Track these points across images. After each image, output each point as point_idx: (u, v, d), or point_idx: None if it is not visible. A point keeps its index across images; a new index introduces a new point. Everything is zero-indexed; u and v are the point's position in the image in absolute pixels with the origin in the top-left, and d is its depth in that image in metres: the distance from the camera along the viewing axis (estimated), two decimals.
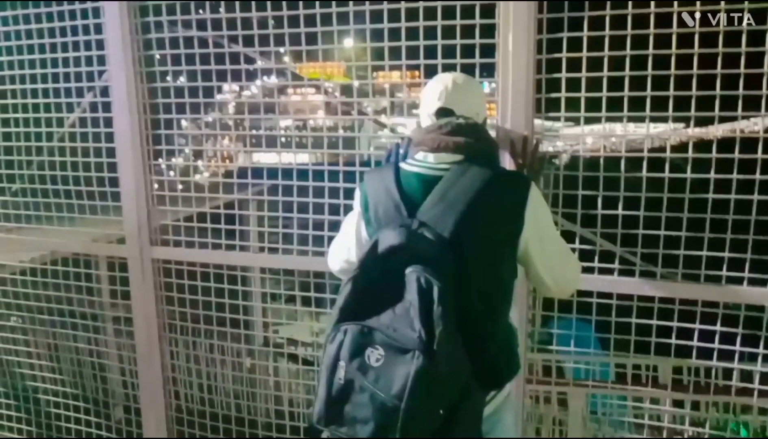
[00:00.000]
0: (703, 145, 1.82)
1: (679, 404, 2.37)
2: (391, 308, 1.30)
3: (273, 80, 2.60)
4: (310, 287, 2.27)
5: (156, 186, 2.44)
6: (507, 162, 1.82)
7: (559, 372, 2.36)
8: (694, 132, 1.86)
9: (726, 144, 1.77)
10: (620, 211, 1.85)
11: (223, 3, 2.20)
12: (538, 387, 2.35)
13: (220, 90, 2.45)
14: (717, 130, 1.86)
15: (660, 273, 1.85)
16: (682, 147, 1.83)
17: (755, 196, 1.72)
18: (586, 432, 2.44)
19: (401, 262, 1.33)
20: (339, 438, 1.30)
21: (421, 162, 1.49)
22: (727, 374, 1.97)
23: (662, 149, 1.87)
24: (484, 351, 1.38)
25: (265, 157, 2.55)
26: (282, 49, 2.18)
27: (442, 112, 1.52)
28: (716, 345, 1.85)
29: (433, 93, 1.55)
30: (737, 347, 1.85)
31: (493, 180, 1.42)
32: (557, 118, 1.89)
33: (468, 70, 1.84)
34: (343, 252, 1.63)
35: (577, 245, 1.88)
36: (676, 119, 1.82)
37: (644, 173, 1.84)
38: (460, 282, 1.33)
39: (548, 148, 2.06)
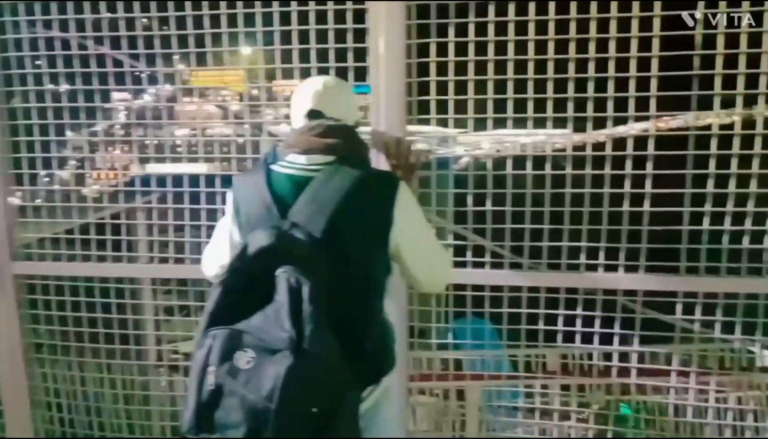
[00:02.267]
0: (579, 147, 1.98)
1: (566, 388, 2.47)
2: (261, 311, 1.29)
3: (167, 87, 2.50)
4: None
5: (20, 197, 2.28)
6: (382, 164, 1.87)
7: (459, 366, 2.44)
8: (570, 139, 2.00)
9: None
10: (488, 207, 1.96)
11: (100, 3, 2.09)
12: (422, 384, 2.41)
13: (108, 98, 2.33)
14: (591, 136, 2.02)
15: (527, 264, 1.97)
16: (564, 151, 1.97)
17: (606, 190, 1.88)
18: (482, 423, 2.50)
19: (272, 263, 1.32)
20: None
21: (292, 164, 1.49)
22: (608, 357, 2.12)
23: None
24: (359, 348, 1.40)
25: (159, 168, 2.45)
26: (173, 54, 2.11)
27: (313, 115, 1.54)
28: (578, 329, 2.00)
29: (303, 95, 1.56)
30: (596, 329, 2.00)
31: (364, 180, 1.44)
32: (427, 121, 1.96)
33: (342, 74, 1.87)
34: (217, 257, 1.60)
35: (450, 241, 1.97)
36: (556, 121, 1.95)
37: (509, 171, 1.95)
38: (332, 281, 1.34)
39: (445, 153, 2.15)
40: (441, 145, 2.19)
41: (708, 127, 1.87)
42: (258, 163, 1.64)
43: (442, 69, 1.92)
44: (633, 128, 1.98)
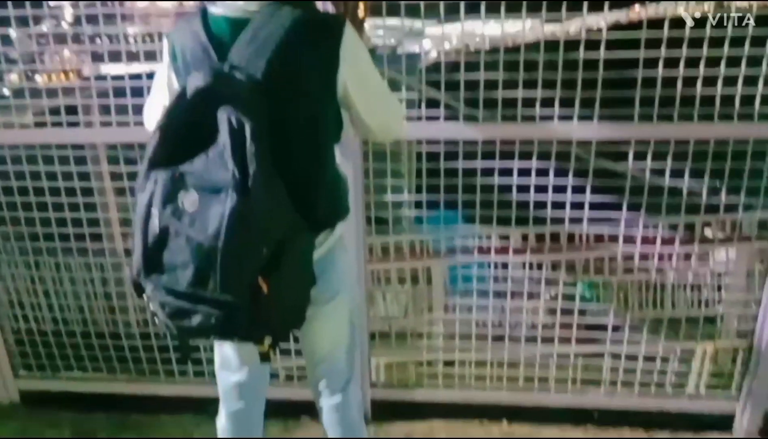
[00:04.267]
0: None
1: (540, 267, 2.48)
2: (204, 153, 1.26)
3: None
4: None
5: None
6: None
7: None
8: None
9: None
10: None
11: None
12: (378, 266, 2.43)
13: None
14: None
15: (482, 117, 1.95)
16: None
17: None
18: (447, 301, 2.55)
19: (212, 106, 1.27)
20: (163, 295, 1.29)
21: (228, 4, 1.41)
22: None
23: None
24: (307, 194, 1.40)
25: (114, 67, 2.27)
26: None
27: None
28: (532, 180, 2.03)
29: None
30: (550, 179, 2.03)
31: (306, 20, 1.37)
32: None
33: None
34: (157, 107, 1.54)
35: (403, 94, 1.92)
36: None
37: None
38: (276, 124, 1.31)
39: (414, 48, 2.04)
40: (407, 39, 2.06)
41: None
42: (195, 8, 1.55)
43: None
44: (606, 18, 1.89)
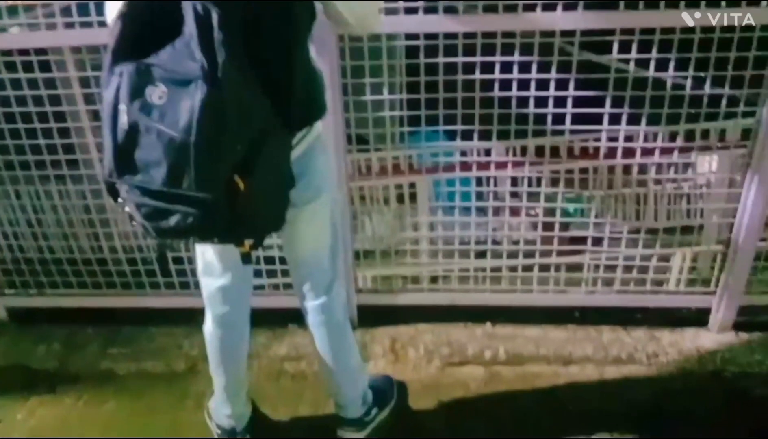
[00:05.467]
0: None
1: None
2: (170, 44, 1.18)
3: None
4: None
5: None
6: None
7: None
8: None
9: None
10: None
11: None
12: (361, 183, 2.39)
13: None
14: None
15: (461, 7, 1.87)
16: None
17: None
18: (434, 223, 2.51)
19: None
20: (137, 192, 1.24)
21: None
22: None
23: None
24: (281, 90, 1.33)
25: None
26: None
27: None
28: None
29: None
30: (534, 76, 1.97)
31: None
32: None
33: None
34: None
35: None
36: None
37: None
38: (245, 13, 1.23)
39: None
40: None
41: None
42: None
43: None
44: None
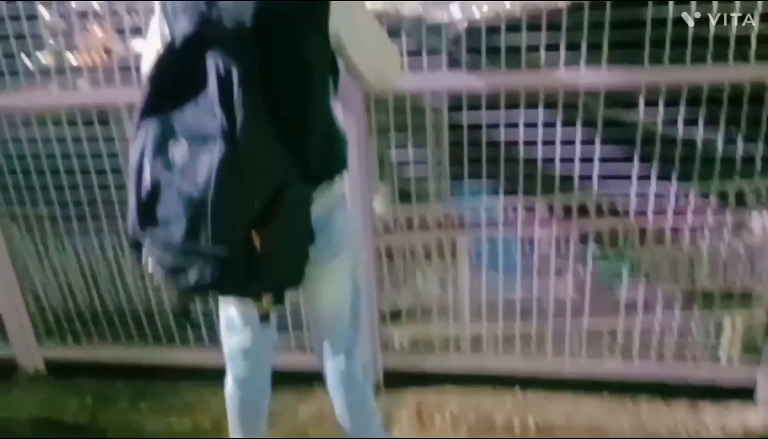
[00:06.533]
0: None
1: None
2: (194, 101, 1.22)
3: None
4: None
5: None
6: None
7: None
8: None
9: None
10: None
11: None
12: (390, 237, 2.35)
13: None
14: None
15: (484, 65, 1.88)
16: None
17: None
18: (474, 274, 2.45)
19: (201, 53, 1.23)
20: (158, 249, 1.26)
21: None
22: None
23: None
24: (298, 143, 1.35)
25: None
26: None
27: None
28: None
29: None
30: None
31: None
32: None
33: None
34: (151, 58, 1.50)
35: (403, 43, 1.85)
36: None
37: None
38: (267, 70, 1.26)
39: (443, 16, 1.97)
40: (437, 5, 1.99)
41: None
42: None
43: None
44: None
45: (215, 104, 1.18)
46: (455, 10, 2.03)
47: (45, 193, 2.38)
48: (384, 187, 2.27)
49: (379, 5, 1.93)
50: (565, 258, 2.24)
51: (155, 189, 1.21)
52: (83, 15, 2.15)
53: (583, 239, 2.25)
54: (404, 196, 2.23)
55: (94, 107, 2.22)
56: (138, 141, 1.23)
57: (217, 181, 1.15)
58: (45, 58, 2.26)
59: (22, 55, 2.22)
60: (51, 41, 2.21)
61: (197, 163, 1.18)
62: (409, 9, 1.97)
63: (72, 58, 2.25)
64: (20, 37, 2.16)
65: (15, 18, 2.13)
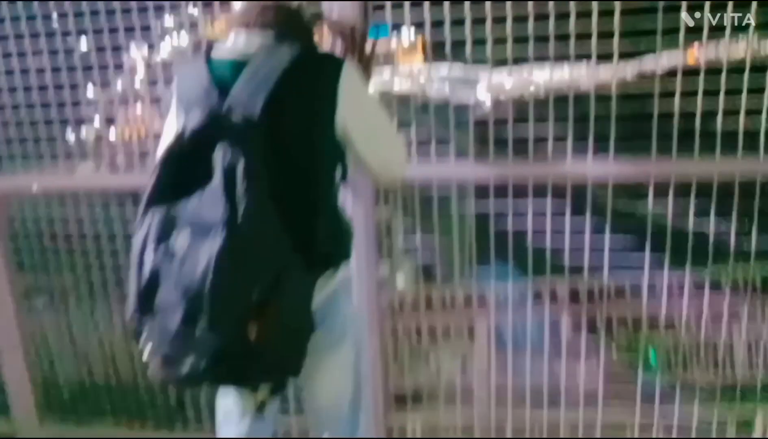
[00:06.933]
0: None
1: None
2: (200, 191, 1.24)
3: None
4: None
5: None
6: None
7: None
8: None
9: None
10: None
11: None
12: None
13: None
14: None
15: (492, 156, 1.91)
16: None
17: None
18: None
19: (209, 145, 1.26)
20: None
21: (231, 47, 1.42)
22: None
23: None
24: (307, 233, 1.36)
25: None
26: None
27: None
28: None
29: None
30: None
31: (305, 57, 1.37)
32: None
33: None
34: None
35: (413, 134, 1.89)
36: None
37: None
38: (274, 163, 1.28)
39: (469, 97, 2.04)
40: (464, 86, 2.06)
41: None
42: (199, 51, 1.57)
43: None
44: (662, 62, 1.84)
45: (219, 195, 1.20)
46: (481, 92, 2.09)
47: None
48: (407, 263, 2.26)
49: (407, 87, 1.99)
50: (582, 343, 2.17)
51: (155, 277, 1.21)
52: (126, 93, 2.24)
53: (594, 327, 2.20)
54: (427, 274, 2.22)
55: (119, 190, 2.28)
56: (142, 229, 1.24)
57: (215, 272, 1.15)
58: (87, 133, 2.35)
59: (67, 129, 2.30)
60: (95, 116, 2.30)
61: (197, 253, 1.18)
62: (436, 91, 2.02)
63: (113, 134, 2.33)
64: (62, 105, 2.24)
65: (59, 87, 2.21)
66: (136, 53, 2.28)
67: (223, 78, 1.38)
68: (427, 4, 1.87)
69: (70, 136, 2.31)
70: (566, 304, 2.16)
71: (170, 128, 1.51)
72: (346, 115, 1.39)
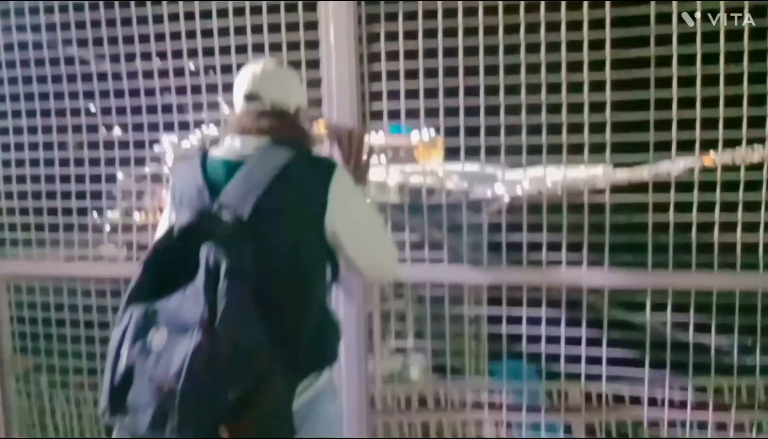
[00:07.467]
0: None
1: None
2: (182, 289, 1.25)
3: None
4: None
5: None
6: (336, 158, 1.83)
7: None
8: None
9: None
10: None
11: None
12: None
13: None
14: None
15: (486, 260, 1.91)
16: None
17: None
18: None
19: (196, 244, 1.28)
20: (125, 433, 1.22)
21: (227, 148, 1.47)
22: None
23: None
24: (293, 336, 1.35)
25: None
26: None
27: (250, 97, 1.51)
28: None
29: (243, 78, 1.54)
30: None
31: (297, 161, 1.41)
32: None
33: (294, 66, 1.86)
34: None
35: (407, 235, 1.91)
36: None
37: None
38: (261, 264, 1.29)
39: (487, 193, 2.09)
40: (481, 184, 2.12)
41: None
42: (196, 149, 1.63)
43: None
44: (678, 166, 1.86)
45: (200, 294, 1.20)
46: (499, 187, 2.13)
47: None
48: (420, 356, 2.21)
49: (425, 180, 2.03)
50: None
51: (128, 375, 1.19)
52: (156, 179, 2.29)
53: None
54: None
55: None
56: (122, 323, 1.24)
57: (188, 372, 1.13)
58: (113, 216, 2.41)
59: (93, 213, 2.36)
60: (122, 202, 2.36)
61: (173, 351, 1.17)
62: (454, 183, 2.05)
63: (138, 218, 2.38)
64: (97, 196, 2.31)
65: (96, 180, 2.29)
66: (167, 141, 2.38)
67: (216, 177, 1.42)
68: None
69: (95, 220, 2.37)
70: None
71: (163, 225, 1.55)
72: (334, 219, 1.41)
